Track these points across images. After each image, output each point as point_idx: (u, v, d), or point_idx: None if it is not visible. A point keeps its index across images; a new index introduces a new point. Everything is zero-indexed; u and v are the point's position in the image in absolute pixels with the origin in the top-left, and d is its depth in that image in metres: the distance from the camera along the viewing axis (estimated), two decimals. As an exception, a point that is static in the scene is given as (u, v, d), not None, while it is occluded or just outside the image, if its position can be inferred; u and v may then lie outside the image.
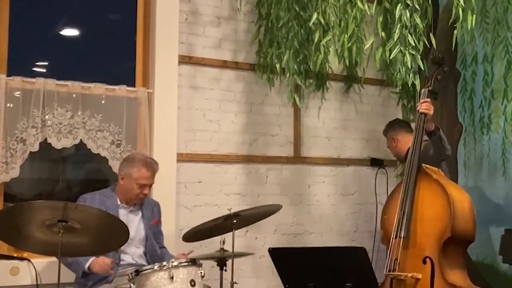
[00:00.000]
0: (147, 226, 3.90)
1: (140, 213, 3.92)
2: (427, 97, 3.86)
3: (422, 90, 3.96)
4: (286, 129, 5.06)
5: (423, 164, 3.79)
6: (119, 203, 3.84)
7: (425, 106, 3.81)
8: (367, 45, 4.20)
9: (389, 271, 3.64)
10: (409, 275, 3.55)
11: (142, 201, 3.90)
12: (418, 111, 3.85)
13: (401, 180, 3.91)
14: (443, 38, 4.61)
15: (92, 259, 3.54)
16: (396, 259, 3.63)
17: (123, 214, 3.81)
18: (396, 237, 3.67)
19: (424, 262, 3.56)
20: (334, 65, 4.78)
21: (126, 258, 3.79)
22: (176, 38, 4.59)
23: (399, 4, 3.92)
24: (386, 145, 4.73)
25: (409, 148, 3.96)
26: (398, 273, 3.59)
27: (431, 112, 3.81)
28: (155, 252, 3.90)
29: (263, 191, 4.92)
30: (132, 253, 3.81)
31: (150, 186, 3.88)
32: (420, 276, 3.53)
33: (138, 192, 3.80)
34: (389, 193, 4.64)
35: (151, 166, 3.85)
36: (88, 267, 3.54)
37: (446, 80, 3.86)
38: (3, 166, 4.02)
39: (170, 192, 4.46)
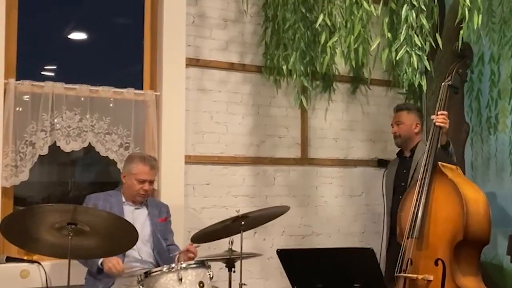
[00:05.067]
0: (153, 223, 3.95)
1: (146, 211, 3.98)
2: (447, 92, 3.79)
3: (442, 84, 3.90)
4: (293, 131, 5.07)
5: (439, 163, 3.72)
6: (124, 200, 3.91)
7: (441, 119, 3.75)
8: (373, 46, 4.21)
9: (400, 271, 3.64)
10: (420, 276, 3.53)
11: (144, 199, 3.95)
12: (434, 123, 3.78)
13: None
14: (449, 38, 4.61)
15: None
16: (409, 259, 3.63)
17: (129, 211, 3.88)
18: (408, 238, 3.66)
19: (436, 264, 3.54)
20: (341, 66, 4.79)
21: (132, 253, 3.79)
22: (184, 41, 4.61)
23: (405, 5, 3.92)
24: (399, 120, 4.39)
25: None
26: (409, 275, 3.58)
27: (447, 126, 3.75)
28: (162, 247, 3.93)
29: (271, 192, 4.93)
30: (139, 248, 3.83)
31: (151, 182, 3.93)
32: (431, 278, 3.51)
33: (139, 188, 3.87)
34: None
35: (149, 161, 3.94)
36: (101, 263, 3.61)
37: (467, 73, 3.76)
38: (13, 170, 4.05)
39: (178, 194, 4.48)
